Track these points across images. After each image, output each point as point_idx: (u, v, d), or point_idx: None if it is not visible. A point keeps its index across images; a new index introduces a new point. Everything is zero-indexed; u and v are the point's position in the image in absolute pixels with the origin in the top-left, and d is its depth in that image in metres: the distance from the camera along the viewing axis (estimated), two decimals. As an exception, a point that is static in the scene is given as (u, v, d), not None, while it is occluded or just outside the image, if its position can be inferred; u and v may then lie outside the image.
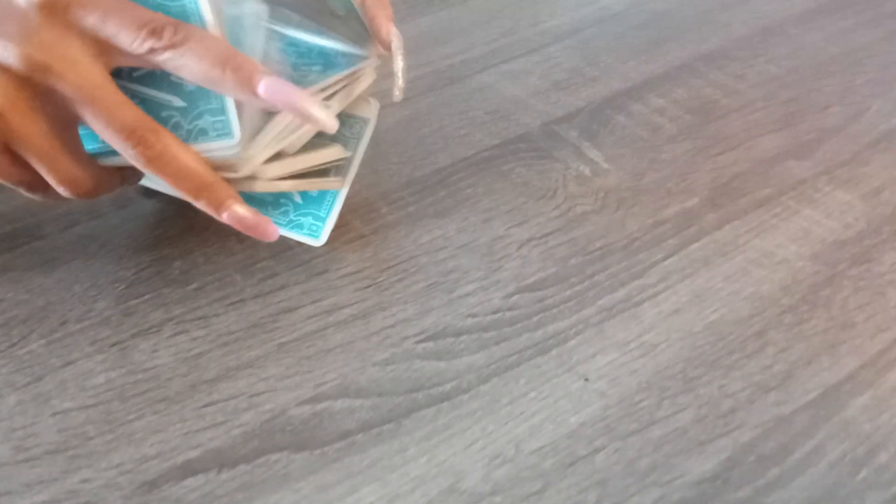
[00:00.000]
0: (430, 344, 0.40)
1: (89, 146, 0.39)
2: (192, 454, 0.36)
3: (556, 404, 0.38)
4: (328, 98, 0.43)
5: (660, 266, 0.44)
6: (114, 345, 0.40)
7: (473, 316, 0.42)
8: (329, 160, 0.45)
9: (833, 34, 0.63)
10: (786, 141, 0.53)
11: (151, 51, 0.35)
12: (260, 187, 0.42)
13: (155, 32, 0.35)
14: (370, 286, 0.43)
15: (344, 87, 0.44)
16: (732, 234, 0.46)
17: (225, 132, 0.37)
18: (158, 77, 0.38)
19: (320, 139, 0.44)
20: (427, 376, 0.39)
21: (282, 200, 0.44)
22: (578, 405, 0.38)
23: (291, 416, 0.37)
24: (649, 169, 0.51)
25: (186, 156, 0.37)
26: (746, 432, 0.37)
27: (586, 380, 0.39)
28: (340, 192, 0.45)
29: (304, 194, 0.44)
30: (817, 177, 0.50)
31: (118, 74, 0.38)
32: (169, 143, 0.37)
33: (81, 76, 0.35)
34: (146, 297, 0.43)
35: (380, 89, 0.49)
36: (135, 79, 0.38)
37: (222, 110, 0.37)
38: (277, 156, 0.41)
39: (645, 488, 0.35)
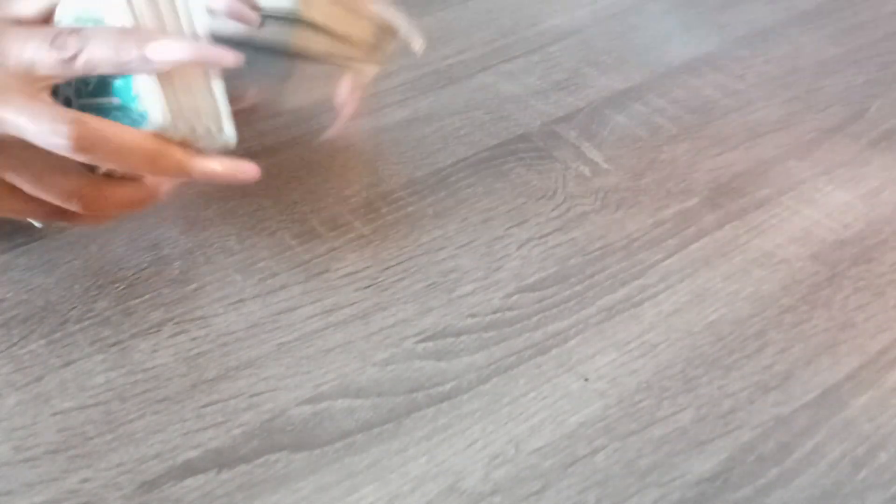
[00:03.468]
0: (430, 344, 0.40)
1: None
2: (192, 454, 0.36)
3: (556, 404, 0.38)
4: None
5: (660, 266, 0.44)
6: (114, 345, 0.40)
7: (473, 316, 0.42)
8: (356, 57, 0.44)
9: (833, 34, 0.63)
10: (786, 141, 0.53)
11: (67, 60, 0.37)
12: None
13: (60, 45, 0.37)
14: (370, 286, 0.43)
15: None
16: (732, 234, 0.46)
17: (146, 117, 0.38)
18: (104, 84, 0.39)
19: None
20: (427, 376, 0.39)
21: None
22: (578, 405, 0.38)
23: (291, 416, 0.37)
24: (649, 169, 0.51)
25: (120, 130, 0.38)
26: (746, 432, 0.37)
27: (586, 380, 0.39)
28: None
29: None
30: (817, 177, 0.50)
31: (78, 95, 0.39)
32: (96, 125, 0.37)
33: (16, 106, 0.37)
34: (146, 297, 0.43)
35: (378, 90, 0.49)
36: (90, 94, 0.39)
37: (142, 96, 0.38)
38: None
39: (645, 488, 0.35)
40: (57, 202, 0.40)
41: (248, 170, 0.39)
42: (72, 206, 0.40)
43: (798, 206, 0.48)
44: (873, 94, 0.57)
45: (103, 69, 0.37)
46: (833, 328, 0.41)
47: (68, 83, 0.39)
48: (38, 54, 0.37)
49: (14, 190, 0.39)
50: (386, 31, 0.45)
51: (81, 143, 0.37)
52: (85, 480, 0.35)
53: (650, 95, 0.57)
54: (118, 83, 0.39)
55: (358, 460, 0.36)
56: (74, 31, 0.37)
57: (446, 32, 0.63)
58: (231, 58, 0.38)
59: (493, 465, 0.36)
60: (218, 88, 0.40)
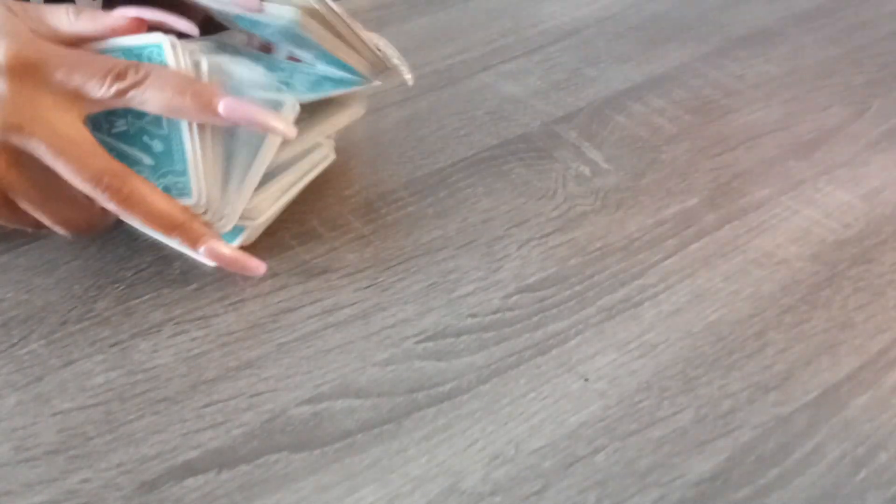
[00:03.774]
0: (430, 344, 0.40)
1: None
2: (192, 454, 0.36)
3: (556, 404, 0.38)
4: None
5: (660, 266, 0.44)
6: (114, 345, 0.40)
7: (473, 316, 0.42)
8: (314, 166, 0.46)
9: (833, 34, 0.63)
10: (786, 141, 0.53)
11: (118, 93, 0.38)
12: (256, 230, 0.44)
13: (119, 76, 0.38)
14: (370, 286, 0.43)
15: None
16: (732, 234, 0.46)
17: (184, 192, 0.40)
18: (132, 136, 0.40)
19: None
20: (427, 376, 0.39)
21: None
22: (578, 405, 0.38)
23: (291, 417, 0.37)
24: (649, 169, 0.51)
25: (156, 197, 0.39)
26: (746, 432, 0.37)
27: (586, 380, 0.39)
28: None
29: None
30: (817, 177, 0.50)
31: (98, 129, 0.40)
32: (137, 186, 0.39)
33: (51, 132, 0.37)
34: (146, 297, 0.43)
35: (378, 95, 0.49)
36: (113, 135, 0.41)
37: (184, 171, 0.40)
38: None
39: (645, 488, 0.35)
40: (48, 224, 0.41)
41: (255, 267, 0.42)
42: (58, 230, 0.41)
43: (798, 206, 0.48)
44: (873, 94, 0.57)
45: (152, 110, 0.39)
46: (833, 328, 0.41)
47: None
48: (88, 81, 0.38)
49: (8, 202, 0.40)
50: (378, 65, 0.46)
51: (116, 197, 0.38)
52: (85, 481, 0.35)
53: (650, 95, 0.57)
54: (156, 146, 0.40)
55: (358, 460, 0.36)
56: (134, 65, 0.38)
57: (446, 32, 0.63)
58: (290, 131, 0.40)
59: (493, 466, 0.36)
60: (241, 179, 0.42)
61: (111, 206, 0.39)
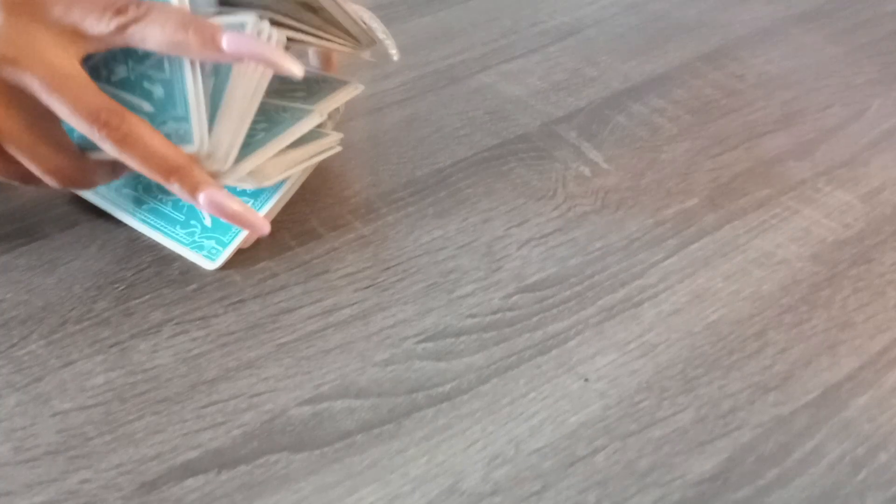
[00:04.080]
0: (430, 344, 0.40)
1: (75, 137, 0.40)
2: (192, 455, 0.36)
3: (556, 404, 0.38)
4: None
5: (660, 266, 0.44)
6: (113, 345, 0.40)
7: (473, 316, 0.42)
8: (325, 150, 0.46)
9: (833, 34, 0.63)
10: (786, 141, 0.53)
11: (119, 28, 0.36)
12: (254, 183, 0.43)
13: (120, 11, 0.36)
14: (370, 286, 0.43)
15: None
16: (732, 234, 0.46)
17: (186, 138, 0.39)
18: (133, 82, 0.39)
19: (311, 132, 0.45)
20: (427, 376, 0.39)
21: (192, 221, 0.44)
22: (578, 405, 0.38)
23: (291, 417, 0.37)
24: (649, 169, 0.51)
25: (155, 138, 0.38)
26: (746, 432, 0.37)
27: (586, 380, 0.39)
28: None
29: (214, 218, 0.44)
30: (817, 177, 0.50)
31: (97, 77, 0.39)
32: (135, 124, 0.37)
33: (47, 66, 0.36)
34: (146, 297, 0.43)
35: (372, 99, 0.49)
36: (112, 82, 0.39)
37: (185, 117, 0.38)
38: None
39: (645, 488, 0.35)
40: (37, 172, 0.39)
41: (260, 224, 0.40)
42: (47, 179, 0.40)
43: (798, 206, 0.48)
44: (873, 94, 0.57)
45: (153, 46, 0.37)
46: (833, 328, 0.41)
47: (89, 58, 0.39)
48: (88, 16, 0.36)
49: (2, 152, 0.38)
50: (365, 39, 0.46)
51: (114, 136, 0.37)
52: (85, 481, 0.35)
53: (650, 95, 0.57)
54: (157, 91, 0.39)
55: (358, 461, 0.36)
56: (134, 0, 0.36)
57: (446, 32, 0.63)
58: (295, 68, 0.38)
59: (493, 466, 0.36)
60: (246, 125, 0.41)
61: (107, 147, 0.37)
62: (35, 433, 0.37)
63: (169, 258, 0.44)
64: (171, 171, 0.38)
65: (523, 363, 0.40)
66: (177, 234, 0.44)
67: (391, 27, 0.63)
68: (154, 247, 0.45)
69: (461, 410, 0.38)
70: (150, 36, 0.36)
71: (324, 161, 0.47)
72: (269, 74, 0.40)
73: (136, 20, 0.36)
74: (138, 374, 0.39)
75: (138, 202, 0.45)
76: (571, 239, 0.46)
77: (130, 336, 0.41)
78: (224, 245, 0.43)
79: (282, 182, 0.45)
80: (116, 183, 0.46)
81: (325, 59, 0.51)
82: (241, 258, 0.44)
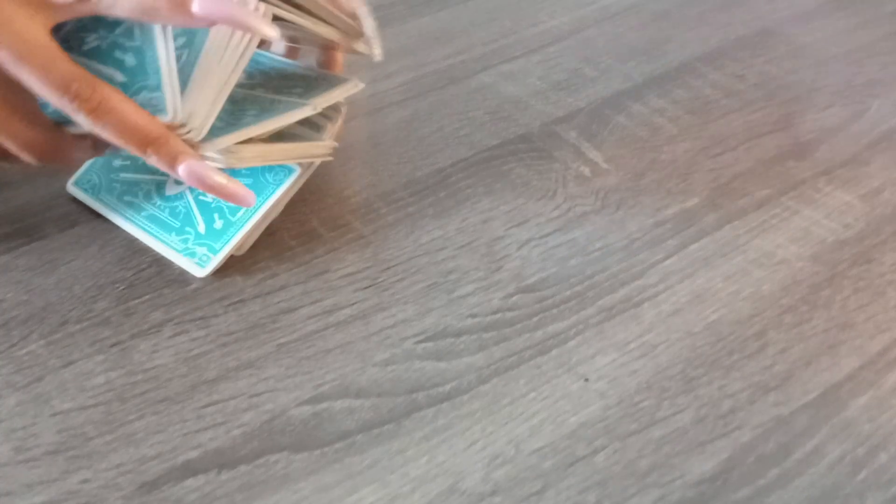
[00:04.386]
0: (430, 344, 0.40)
1: (50, 111, 0.39)
2: (192, 454, 0.36)
3: (556, 405, 0.38)
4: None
5: (660, 266, 0.44)
6: (114, 345, 0.40)
7: (473, 316, 0.42)
8: (313, 154, 0.45)
9: (833, 34, 0.63)
10: (786, 141, 0.53)
11: None
12: (231, 162, 0.41)
13: None
14: (370, 286, 0.43)
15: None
16: (732, 234, 0.46)
17: (159, 108, 0.37)
18: (104, 51, 0.38)
19: (304, 130, 0.44)
20: (427, 377, 0.39)
21: (187, 228, 0.44)
22: (578, 405, 0.38)
23: (291, 417, 0.37)
24: (649, 169, 0.51)
25: (129, 107, 0.36)
26: (746, 433, 0.37)
27: (586, 380, 0.39)
28: (240, 230, 0.43)
29: (208, 226, 0.44)
30: (817, 177, 0.50)
31: (69, 48, 0.38)
32: (108, 94, 0.36)
33: (14, 37, 0.35)
34: (146, 297, 0.43)
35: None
36: (83, 52, 0.38)
37: (158, 86, 0.37)
38: (251, 140, 0.42)
39: (645, 489, 0.35)
40: (11, 148, 0.38)
41: (243, 195, 0.39)
42: (23, 156, 0.39)
43: (798, 206, 0.48)
44: (873, 94, 0.57)
45: (121, 13, 0.36)
46: (833, 328, 0.41)
47: (59, 28, 0.37)
48: None
49: None
50: (352, 32, 0.45)
51: (86, 106, 0.36)
52: (85, 481, 0.35)
53: (650, 95, 0.57)
54: (128, 60, 0.37)
55: (358, 461, 0.36)
56: None
57: (446, 32, 0.63)
58: (270, 30, 0.36)
59: (493, 466, 0.36)
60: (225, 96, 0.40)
61: (80, 119, 0.36)
62: (35, 433, 0.37)
63: (169, 258, 0.44)
64: (148, 141, 0.37)
65: (523, 363, 0.40)
66: (171, 241, 0.44)
67: (391, 27, 0.63)
68: (154, 247, 0.45)
69: (461, 410, 0.38)
70: (119, 2, 0.35)
71: (324, 161, 0.47)
72: (252, 43, 0.39)
73: None
74: (138, 374, 0.39)
75: (137, 208, 0.45)
76: (571, 239, 0.46)
77: (130, 336, 0.41)
78: (215, 252, 0.43)
79: (280, 182, 0.45)
80: (119, 189, 0.46)
81: (331, 59, 0.50)
82: (241, 258, 0.44)
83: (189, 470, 0.35)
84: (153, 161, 0.38)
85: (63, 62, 0.36)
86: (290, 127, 0.44)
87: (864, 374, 0.39)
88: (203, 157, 0.39)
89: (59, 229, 0.46)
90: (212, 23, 0.36)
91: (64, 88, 0.35)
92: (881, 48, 0.62)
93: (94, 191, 0.46)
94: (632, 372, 0.39)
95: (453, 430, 0.37)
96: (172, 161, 0.37)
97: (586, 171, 0.51)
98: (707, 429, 0.37)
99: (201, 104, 0.39)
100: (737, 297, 0.43)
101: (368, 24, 0.46)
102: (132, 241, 0.45)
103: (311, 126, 0.46)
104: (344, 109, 0.48)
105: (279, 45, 0.50)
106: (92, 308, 0.42)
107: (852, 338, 0.41)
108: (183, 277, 0.43)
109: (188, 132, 0.39)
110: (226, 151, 0.41)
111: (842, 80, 0.58)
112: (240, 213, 0.44)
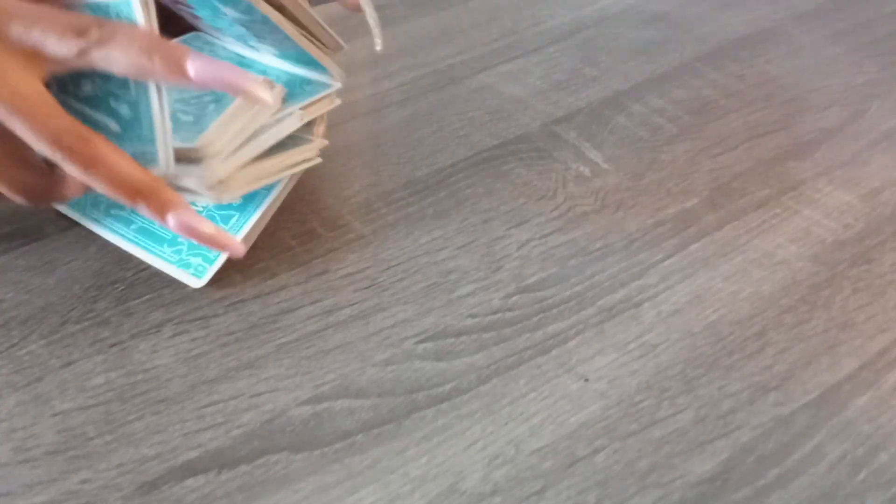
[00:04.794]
0: (430, 344, 0.40)
1: None
2: (192, 455, 0.36)
3: (556, 405, 0.38)
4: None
5: (660, 266, 0.44)
6: (114, 345, 0.40)
7: (473, 316, 0.42)
8: (299, 160, 0.45)
9: (833, 34, 0.63)
10: (786, 141, 0.53)
11: (80, 52, 0.35)
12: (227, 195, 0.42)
13: (81, 33, 0.35)
14: (370, 286, 0.43)
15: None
16: (732, 235, 0.46)
17: (152, 159, 0.38)
18: (98, 99, 0.38)
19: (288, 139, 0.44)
20: (427, 377, 0.39)
21: (179, 239, 0.43)
22: (578, 405, 0.38)
23: (291, 417, 0.37)
24: (649, 169, 0.51)
25: (120, 160, 0.37)
26: (746, 433, 0.37)
27: (586, 380, 0.39)
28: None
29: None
30: (817, 177, 0.50)
31: (64, 91, 0.38)
32: (100, 147, 0.36)
33: (7, 88, 0.35)
34: (146, 297, 0.43)
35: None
36: (79, 98, 0.39)
37: (151, 140, 0.37)
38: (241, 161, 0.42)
39: (645, 489, 0.35)
40: (6, 192, 0.39)
41: (234, 245, 0.39)
42: (17, 199, 0.39)
43: (798, 206, 0.48)
44: (873, 94, 0.57)
45: (117, 70, 0.36)
46: (833, 329, 0.41)
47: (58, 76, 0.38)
48: (48, 38, 0.35)
49: None
50: (333, 45, 0.45)
51: (78, 160, 0.36)
52: (85, 481, 0.35)
53: (650, 95, 0.57)
54: (123, 111, 0.38)
55: (358, 461, 0.36)
56: (98, 21, 0.35)
57: (446, 32, 0.63)
58: (268, 96, 0.37)
59: (493, 466, 0.36)
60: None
61: (72, 170, 0.36)
62: (35, 433, 0.37)
63: (164, 271, 0.44)
64: (138, 192, 0.37)
65: (523, 363, 0.40)
66: (163, 253, 0.43)
67: (391, 27, 0.63)
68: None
69: (461, 410, 0.38)
70: (114, 60, 0.35)
71: (324, 161, 0.47)
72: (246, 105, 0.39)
73: (98, 43, 0.35)
74: (138, 374, 0.39)
75: (126, 221, 0.44)
76: (571, 239, 0.46)
77: (130, 336, 0.41)
78: (210, 262, 0.43)
79: (265, 195, 0.44)
80: (106, 202, 0.45)
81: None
82: (240, 259, 0.44)
83: (189, 470, 0.35)
84: (143, 211, 0.38)
85: (56, 115, 0.36)
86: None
87: (864, 374, 0.39)
88: (192, 208, 0.38)
89: (59, 229, 0.46)
90: (207, 87, 0.36)
91: (56, 142, 0.35)
92: (881, 48, 0.62)
93: (79, 208, 0.45)
94: (632, 372, 0.39)
95: (453, 430, 0.37)
96: (161, 211, 0.37)
97: (586, 171, 0.51)
98: (707, 429, 0.37)
99: (221, 137, 0.40)
100: (737, 297, 0.43)
101: (371, 14, 0.45)
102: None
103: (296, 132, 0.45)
104: (328, 103, 0.46)
105: None
106: (92, 308, 0.42)
107: (852, 338, 0.41)
108: (183, 277, 0.44)
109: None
110: (212, 187, 0.40)
111: (842, 80, 0.58)
112: (233, 220, 0.44)
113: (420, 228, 0.47)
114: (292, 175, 0.45)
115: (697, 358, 0.40)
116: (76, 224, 0.46)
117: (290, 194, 0.47)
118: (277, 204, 0.46)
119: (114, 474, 0.35)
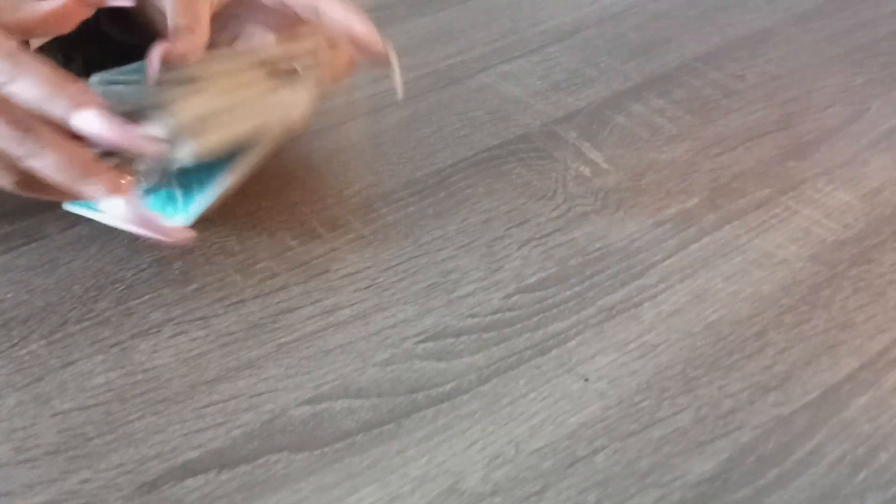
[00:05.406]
0: (430, 344, 0.40)
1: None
2: (192, 455, 0.36)
3: (556, 405, 0.38)
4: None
5: (660, 266, 0.44)
6: (114, 345, 0.40)
7: (473, 316, 0.42)
8: (290, 114, 0.42)
9: (833, 34, 0.63)
10: (786, 141, 0.53)
11: None
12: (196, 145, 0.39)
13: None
14: (370, 287, 0.43)
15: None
16: (732, 235, 0.46)
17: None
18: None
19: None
20: (427, 377, 0.39)
21: (168, 208, 0.42)
22: (578, 405, 0.38)
23: (291, 417, 0.37)
24: (649, 169, 0.51)
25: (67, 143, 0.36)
26: (746, 433, 0.37)
27: (586, 380, 0.39)
28: (224, 171, 0.41)
29: (187, 200, 0.42)
30: (817, 177, 0.50)
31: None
32: (43, 133, 0.36)
33: None
34: (146, 297, 0.43)
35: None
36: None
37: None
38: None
39: (645, 489, 0.35)
40: (1, 181, 0.38)
41: (178, 236, 0.39)
42: (15, 189, 0.39)
43: (798, 206, 0.48)
44: (873, 94, 0.57)
45: (23, 101, 0.36)
46: (833, 329, 0.41)
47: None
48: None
49: None
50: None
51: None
52: (85, 481, 0.35)
53: (650, 95, 0.57)
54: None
55: (358, 461, 0.36)
56: (11, 58, 0.36)
57: (446, 32, 0.63)
58: (158, 152, 0.37)
59: (493, 466, 0.36)
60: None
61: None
62: (35, 433, 0.37)
63: (169, 258, 0.44)
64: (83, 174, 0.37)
65: (523, 363, 0.40)
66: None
67: (391, 27, 0.63)
68: (154, 246, 0.45)
69: (461, 410, 0.38)
70: (23, 101, 0.35)
71: (324, 161, 0.47)
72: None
73: (7, 83, 0.35)
74: (138, 374, 0.39)
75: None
76: (571, 239, 0.46)
77: (130, 336, 0.41)
78: (193, 199, 0.41)
79: (222, 167, 0.42)
80: None
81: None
82: (241, 258, 0.44)
83: (189, 470, 0.35)
84: (92, 192, 0.37)
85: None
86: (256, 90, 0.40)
87: (864, 375, 0.39)
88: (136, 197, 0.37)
89: (59, 229, 0.46)
90: (90, 136, 0.36)
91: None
92: (881, 48, 0.62)
93: (86, 204, 0.45)
94: (632, 372, 0.39)
95: (453, 430, 0.37)
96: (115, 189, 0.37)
97: (586, 171, 0.51)
98: (707, 429, 0.37)
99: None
100: (737, 297, 0.43)
101: (396, 68, 0.44)
102: (132, 241, 0.45)
103: (283, 79, 0.42)
104: (323, 56, 0.43)
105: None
106: (92, 308, 0.42)
107: (852, 338, 0.41)
108: (183, 277, 0.43)
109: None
110: (188, 137, 0.38)
111: (842, 80, 0.58)
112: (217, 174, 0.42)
113: (420, 228, 0.47)
114: (271, 140, 0.42)
115: (697, 358, 0.40)
116: (76, 224, 0.46)
117: (290, 194, 0.47)
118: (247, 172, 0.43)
119: (114, 474, 0.35)
